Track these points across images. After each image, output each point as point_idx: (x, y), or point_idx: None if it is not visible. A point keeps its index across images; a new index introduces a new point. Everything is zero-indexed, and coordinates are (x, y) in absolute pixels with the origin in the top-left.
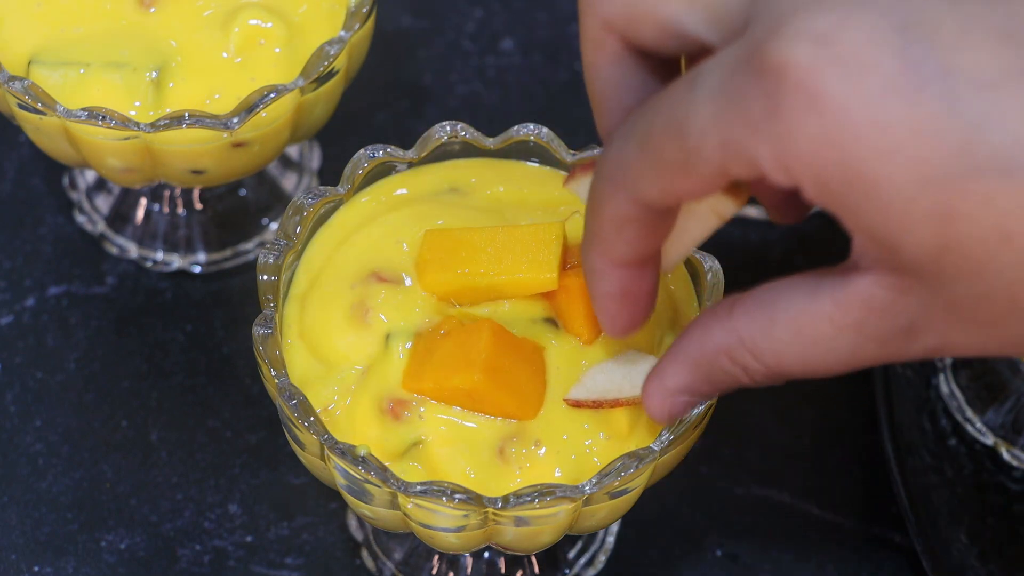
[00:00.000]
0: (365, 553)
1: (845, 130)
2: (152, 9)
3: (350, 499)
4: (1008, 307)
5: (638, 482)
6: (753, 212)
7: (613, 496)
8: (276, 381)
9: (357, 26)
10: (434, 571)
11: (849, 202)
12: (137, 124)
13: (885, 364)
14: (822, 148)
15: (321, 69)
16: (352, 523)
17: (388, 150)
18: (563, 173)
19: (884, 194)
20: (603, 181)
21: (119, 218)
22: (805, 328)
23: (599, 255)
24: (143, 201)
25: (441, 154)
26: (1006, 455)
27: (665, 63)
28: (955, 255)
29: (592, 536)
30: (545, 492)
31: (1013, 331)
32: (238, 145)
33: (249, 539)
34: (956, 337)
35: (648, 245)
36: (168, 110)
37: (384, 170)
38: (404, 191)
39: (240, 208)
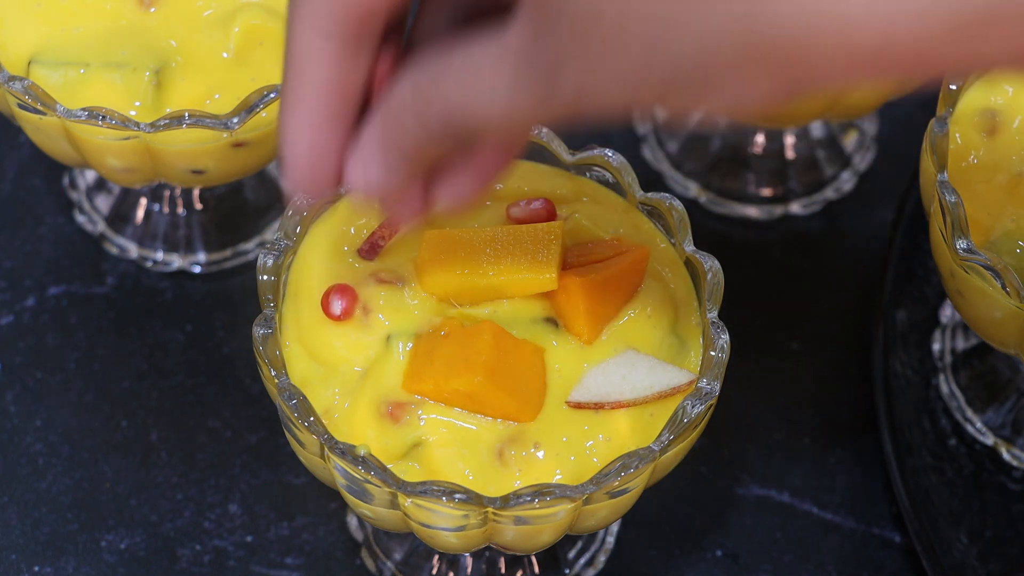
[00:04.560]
0: (365, 553)
1: None
2: (152, 9)
3: (350, 499)
4: (621, 14)
5: (638, 482)
6: (753, 212)
7: (613, 496)
8: (276, 381)
9: None
10: (434, 571)
11: None
12: (137, 124)
13: (546, 120)
14: None
15: None
16: (352, 523)
17: None
18: (563, 172)
19: None
20: (289, 19)
21: (119, 218)
22: (472, 64)
23: (288, 111)
24: (143, 201)
25: None
26: (1006, 455)
27: None
28: None
29: (592, 536)
30: (545, 492)
31: (636, 55)
32: (238, 145)
33: (249, 539)
34: (591, 68)
35: (340, 97)
36: (168, 110)
37: None
38: None
39: (240, 208)
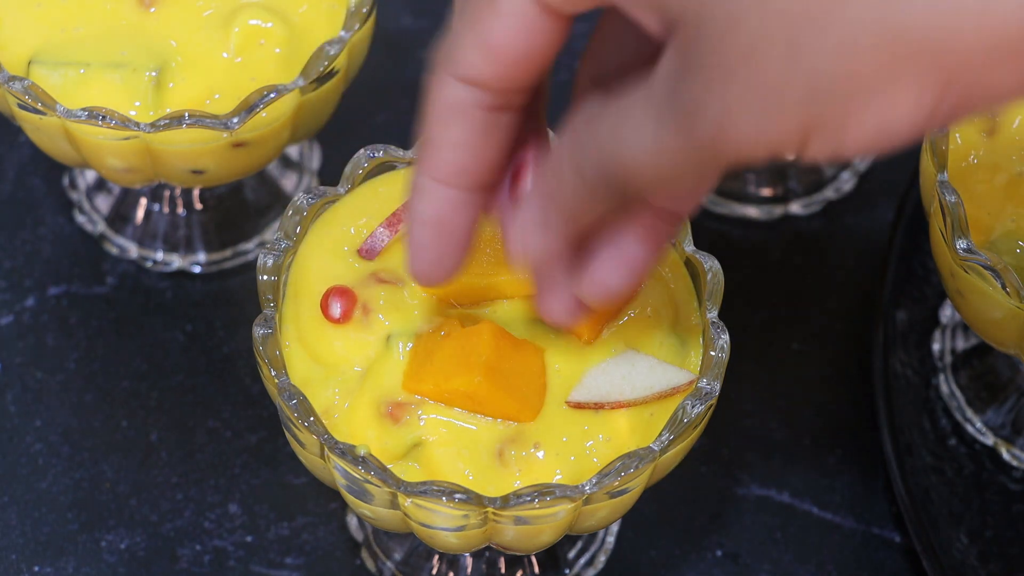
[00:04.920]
0: (365, 553)
1: None
2: (152, 9)
3: (350, 499)
4: (758, 20)
5: (638, 482)
6: (753, 212)
7: (613, 496)
8: (276, 381)
9: (357, 26)
10: (434, 571)
11: None
12: (137, 124)
13: (689, 168)
14: None
15: (321, 69)
16: (352, 523)
17: (388, 150)
18: None
19: None
20: (432, 70)
21: (119, 218)
22: (623, 111)
23: (422, 167)
24: (143, 201)
25: None
26: (1006, 455)
27: None
28: None
29: (592, 536)
30: (545, 492)
31: (775, 69)
32: (238, 145)
33: (249, 539)
34: (732, 96)
35: (475, 157)
36: (168, 110)
37: (384, 170)
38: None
39: (240, 208)
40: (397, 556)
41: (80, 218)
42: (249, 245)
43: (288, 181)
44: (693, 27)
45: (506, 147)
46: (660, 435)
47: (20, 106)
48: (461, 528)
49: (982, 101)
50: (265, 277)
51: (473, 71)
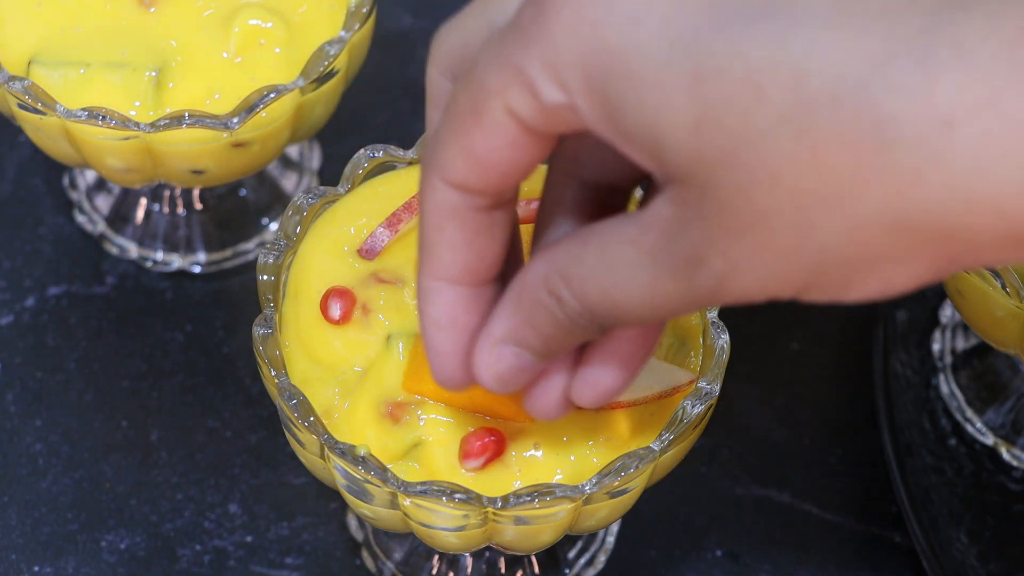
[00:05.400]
0: (365, 553)
1: (598, 6)
2: (152, 9)
3: (350, 499)
4: (770, 192)
5: (638, 482)
6: None
7: (613, 496)
8: (276, 381)
9: (357, 26)
10: (434, 571)
11: (613, 98)
12: (137, 124)
13: (685, 310)
14: (579, 29)
15: (321, 69)
16: (352, 523)
17: (388, 150)
18: None
19: (636, 64)
20: (421, 173)
21: (119, 218)
22: (610, 250)
23: (425, 270)
24: (143, 201)
25: None
26: (1006, 455)
27: None
28: (711, 127)
29: (592, 536)
30: (545, 492)
31: (784, 237)
32: (238, 145)
33: (249, 539)
34: (737, 254)
35: (475, 254)
36: (168, 110)
37: (384, 170)
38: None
39: (240, 208)
40: (397, 556)
41: (80, 218)
42: (249, 245)
43: (288, 181)
44: (697, 188)
45: (507, 238)
46: (660, 435)
47: (20, 106)
48: (461, 528)
49: (980, 266)
50: (265, 277)
51: (460, 178)
